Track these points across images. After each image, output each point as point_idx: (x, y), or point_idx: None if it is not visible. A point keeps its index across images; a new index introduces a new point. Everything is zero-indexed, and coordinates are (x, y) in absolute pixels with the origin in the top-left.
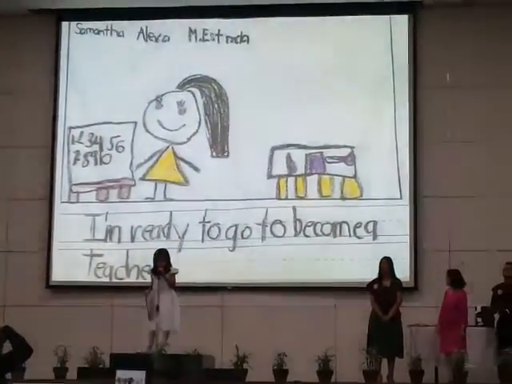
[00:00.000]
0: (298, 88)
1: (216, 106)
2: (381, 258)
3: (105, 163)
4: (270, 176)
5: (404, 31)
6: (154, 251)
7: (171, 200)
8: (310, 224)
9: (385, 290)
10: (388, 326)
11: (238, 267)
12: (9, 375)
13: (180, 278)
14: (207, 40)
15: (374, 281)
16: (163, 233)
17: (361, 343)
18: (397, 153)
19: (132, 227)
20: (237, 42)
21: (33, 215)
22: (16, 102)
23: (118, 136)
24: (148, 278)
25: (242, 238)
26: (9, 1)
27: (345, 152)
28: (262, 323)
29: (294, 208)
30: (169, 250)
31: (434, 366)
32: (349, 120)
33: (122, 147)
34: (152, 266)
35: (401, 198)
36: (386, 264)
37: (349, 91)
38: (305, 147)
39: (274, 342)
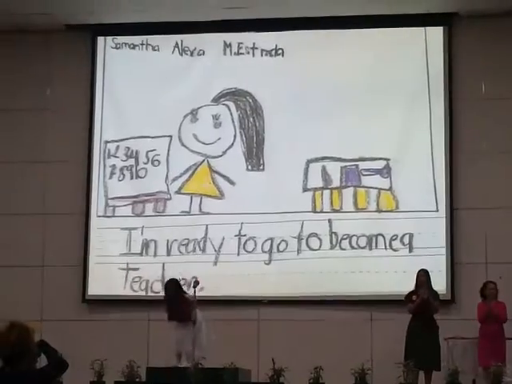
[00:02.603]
0: (332, 100)
1: (251, 119)
2: (417, 270)
3: (140, 177)
4: (305, 189)
5: (439, 43)
6: (189, 264)
7: (207, 213)
8: (345, 237)
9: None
10: (425, 339)
11: (273, 280)
12: None
13: (216, 292)
14: (242, 53)
15: (412, 292)
16: (199, 246)
17: (397, 356)
18: (433, 165)
19: (168, 241)
20: (271, 55)
21: (69, 229)
22: (52, 117)
23: (154, 150)
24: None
25: (278, 251)
26: (45, 16)
27: (380, 164)
28: (298, 337)
29: (330, 221)
30: (202, 264)
31: (472, 379)
32: (384, 132)
33: (158, 161)
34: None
35: (437, 211)
36: (424, 276)
37: (384, 103)
38: (340, 160)
39: (310, 356)
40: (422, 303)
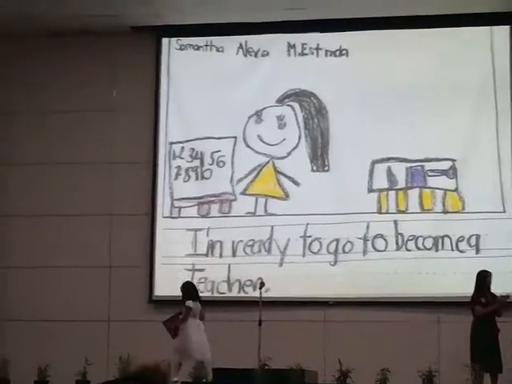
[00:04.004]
0: (397, 101)
1: (316, 120)
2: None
3: (206, 178)
4: (370, 190)
5: (505, 42)
6: (255, 266)
7: (272, 215)
8: (411, 238)
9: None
10: (490, 341)
11: (339, 282)
12: None
13: (282, 293)
14: (306, 54)
15: (478, 294)
16: (264, 247)
17: (464, 358)
18: (499, 165)
19: (233, 242)
20: (336, 56)
21: (135, 230)
22: (118, 118)
23: (219, 151)
24: (249, 293)
25: (344, 252)
26: (110, 19)
27: (446, 165)
28: (365, 338)
29: (396, 222)
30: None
31: None
32: (450, 132)
33: (223, 162)
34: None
35: (504, 211)
36: (491, 278)
37: (450, 103)
38: (405, 160)
39: (377, 357)
40: (501, 307)
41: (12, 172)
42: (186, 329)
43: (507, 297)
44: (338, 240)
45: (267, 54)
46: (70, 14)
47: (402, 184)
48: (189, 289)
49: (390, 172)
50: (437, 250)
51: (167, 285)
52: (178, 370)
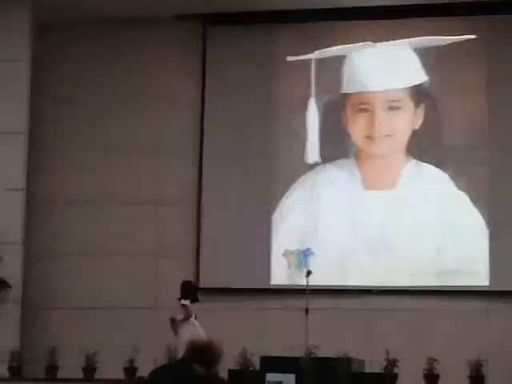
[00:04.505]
0: None
1: None
2: None
3: None
4: None
5: None
6: None
7: None
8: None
9: None
10: None
11: (386, 269)
12: None
13: (328, 281)
14: None
15: None
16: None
17: None
18: None
19: None
20: None
21: (182, 219)
22: (163, 106)
23: None
24: (296, 281)
25: (391, 239)
26: (155, 7)
27: None
28: (412, 327)
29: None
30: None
31: None
32: None
33: None
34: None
35: None
36: None
37: None
38: None
39: (424, 346)
40: None
41: (60, 159)
42: (181, 328)
43: None
44: (384, 227)
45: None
46: (116, 2)
47: None
48: (187, 288)
49: None
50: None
51: (214, 273)
52: None
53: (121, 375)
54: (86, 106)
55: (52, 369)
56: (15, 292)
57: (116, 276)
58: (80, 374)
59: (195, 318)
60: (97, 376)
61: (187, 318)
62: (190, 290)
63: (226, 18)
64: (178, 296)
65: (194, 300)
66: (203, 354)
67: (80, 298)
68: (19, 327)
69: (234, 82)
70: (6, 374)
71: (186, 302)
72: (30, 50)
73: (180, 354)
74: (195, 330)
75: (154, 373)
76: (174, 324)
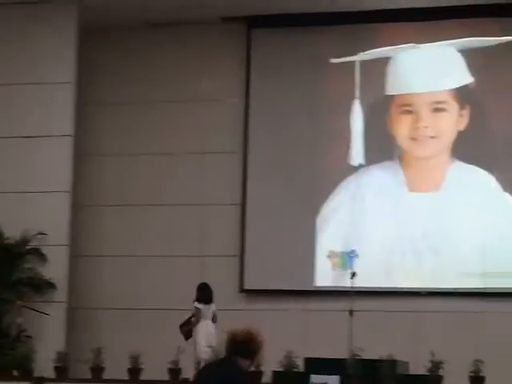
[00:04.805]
0: None
1: None
2: None
3: None
4: None
5: None
6: None
7: None
8: None
9: None
10: None
11: (432, 271)
12: None
13: (373, 283)
14: None
15: None
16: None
17: None
18: None
19: None
20: None
21: (226, 220)
22: (208, 109)
23: None
24: (341, 283)
25: (437, 241)
26: (201, 9)
27: None
28: (458, 329)
29: None
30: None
31: None
32: None
33: None
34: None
35: None
36: None
37: None
38: None
39: (470, 349)
40: None
41: (105, 163)
42: (195, 331)
43: None
44: (429, 228)
45: None
46: (160, 4)
47: None
48: (201, 291)
49: None
50: None
51: (258, 275)
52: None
53: (165, 376)
54: (130, 109)
55: (97, 370)
56: (61, 293)
57: (160, 277)
58: (125, 375)
59: (213, 319)
60: (141, 377)
61: (198, 320)
62: (204, 293)
63: (270, 20)
64: (221, 299)
65: (208, 302)
66: (245, 346)
67: (125, 299)
68: (65, 328)
69: (279, 84)
70: (53, 375)
71: (199, 305)
72: (75, 53)
73: (196, 355)
74: (208, 332)
75: (200, 372)
76: (187, 326)
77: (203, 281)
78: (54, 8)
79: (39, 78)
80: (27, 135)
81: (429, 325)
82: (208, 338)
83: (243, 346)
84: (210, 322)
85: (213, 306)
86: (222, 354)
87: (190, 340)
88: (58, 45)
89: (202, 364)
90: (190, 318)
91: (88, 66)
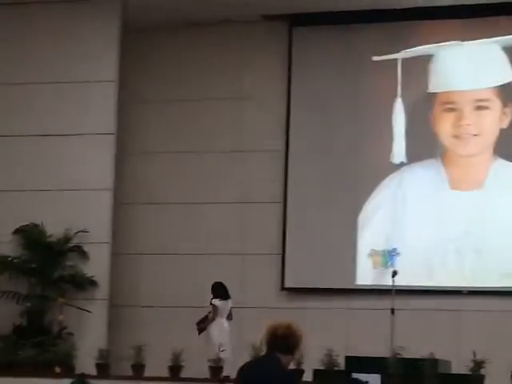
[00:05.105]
0: None
1: None
2: None
3: None
4: None
5: None
6: None
7: None
8: None
9: None
10: None
11: (474, 270)
12: None
13: (414, 281)
14: None
15: None
16: None
17: None
18: None
19: None
20: None
21: (268, 218)
22: (249, 106)
23: None
24: (382, 281)
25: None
26: (242, 7)
27: None
28: (500, 328)
29: None
30: None
31: None
32: None
33: None
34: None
35: None
36: None
37: None
38: None
39: None
40: None
41: (146, 161)
42: (209, 328)
43: None
44: (471, 227)
45: None
46: (202, 2)
47: None
48: (217, 289)
49: None
50: None
51: (299, 273)
52: None
53: (206, 374)
54: (172, 107)
55: (138, 367)
56: (102, 291)
57: (201, 275)
58: (166, 373)
59: (228, 317)
60: (182, 375)
61: (215, 317)
62: (221, 290)
63: (312, 18)
64: (262, 297)
65: (224, 298)
66: (286, 341)
67: (166, 297)
68: (106, 325)
69: (320, 81)
70: (94, 372)
71: (217, 302)
72: (118, 52)
73: (209, 351)
74: (223, 330)
75: (243, 370)
76: (203, 323)
77: (244, 279)
78: (98, 6)
79: (82, 77)
80: (70, 133)
81: (470, 324)
82: (221, 335)
83: (284, 341)
84: (225, 319)
85: (230, 303)
86: (263, 349)
87: (202, 335)
88: (100, 43)
89: (213, 361)
90: (207, 315)
91: (130, 65)
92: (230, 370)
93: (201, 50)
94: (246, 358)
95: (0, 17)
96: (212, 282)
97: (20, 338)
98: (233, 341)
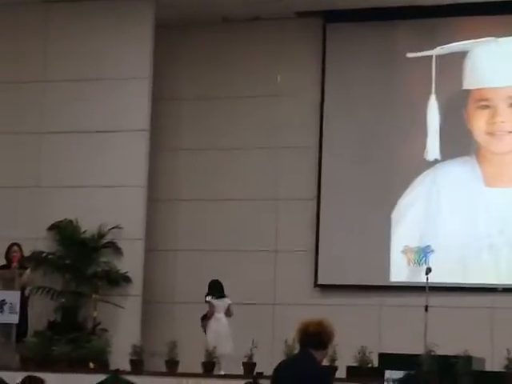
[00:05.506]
0: None
1: None
2: None
3: None
4: None
5: None
6: None
7: None
8: None
9: None
10: None
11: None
12: None
13: (449, 279)
14: None
15: None
16: None
17: None
18: None
19: None
20: None
21: (301, 215)
22: (283, 103)
23: None
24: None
25: None
26: (276, 4)
27: None
28: None
29: None
30: None
31: None
32: None
33: None
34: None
35: None
36: None
37: None
38: None
39: None
40: None
41: (179, 157)
42: (208, 325)
43: None
44: (505, 224)
45: None
46: (242, 0)
47: None
48: (212, 286)
49: None
50: None
51: (332, 269)
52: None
53: (239, 370)
54: (206, 103)
55: (172, 363)
56: (136, 287)
57: (235, 272)
58: (199, 369)
59: (227, 313)
60: (216, 371)
61: (212, 314)
62: (215, 288)
63: (346, 14)
64: (295, 293)
65: (219, 296)
66: (318, 337)
67: (199, 293)
68: (140, 321)
69: (354, 78)
70: (128, 368)
71: (211, 299)
72: (152, 48)
73: (210, 348)
74: (218, 326)
75: (279, 368)
76: (204, 320)
77: (278, 276)
78: (132, 3)
79: (116, 73)
80: (104, 130)
81: (505, 321)
82: (217, 331)
83: (315, 337)
84: (222, 315)
85: (226, 301)
86: (296, 347)
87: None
88: (134, 40)
89: (210, 355)
90: (207, 312)
91: (164, 61)
92: (260, 367)
93: (234, 47)
94: (279, 355)
95: (44, 16)
96: (246, 279)
97: (54, 333)
98: (246, 336)
